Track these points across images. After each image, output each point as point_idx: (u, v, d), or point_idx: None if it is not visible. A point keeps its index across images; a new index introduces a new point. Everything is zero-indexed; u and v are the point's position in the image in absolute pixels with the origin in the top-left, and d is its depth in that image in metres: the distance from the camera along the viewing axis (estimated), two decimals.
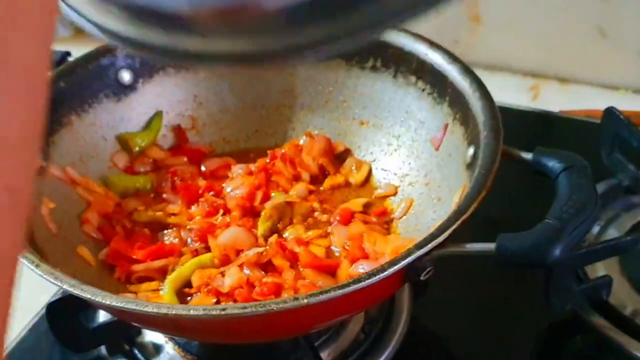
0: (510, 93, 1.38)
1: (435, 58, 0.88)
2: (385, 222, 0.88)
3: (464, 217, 0.68)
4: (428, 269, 0.69)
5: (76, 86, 0.91)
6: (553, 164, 0.73)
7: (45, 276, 0.68)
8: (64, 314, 0.82)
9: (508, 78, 1.45)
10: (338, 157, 0.96)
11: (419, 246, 0.66)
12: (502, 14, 1.42)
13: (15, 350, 0.89)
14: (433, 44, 0.89)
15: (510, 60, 1.46)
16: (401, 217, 0.88)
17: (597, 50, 1.38)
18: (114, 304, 0.65)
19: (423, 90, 0.90)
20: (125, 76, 0.94)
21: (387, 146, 0.94)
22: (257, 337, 0.73)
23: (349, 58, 0.95)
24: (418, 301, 0.90)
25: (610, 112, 1.01)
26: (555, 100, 1.35)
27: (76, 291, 0.66)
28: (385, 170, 0.94)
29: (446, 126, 0.86)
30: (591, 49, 1.38)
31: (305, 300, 0.63)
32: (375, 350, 0.84)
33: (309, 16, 0.33)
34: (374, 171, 0.94)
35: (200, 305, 0.74)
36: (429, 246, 0.66)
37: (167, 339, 0.88)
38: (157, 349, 0.87)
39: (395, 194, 0.91)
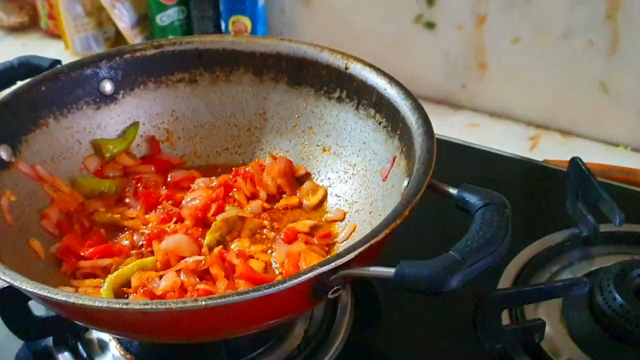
0: (511, 141, 1.40)
1: (392, 93, 0.90)
2: (327, 245, 0.91)
3: (372, 241, 0.71)
4: (335, 287, 0.71)
5: (57, 91, 0.97)
6: (474, 200, 0.75)
7: None
8: (14, 302, 0.87)
9: (511, 126, 1.46)
10: (298, 180, 1.01)
11: (323, 264, 0.69)
12: (508, 64, 1.43)
13: None
14: (392, 80, 0.91)
15: (514, 109, 1.47)
16: (343, 242, 0.91)
17: (598, 105, 1.38)
18: (23, 286, 0.69)
19: (380, 123, 0.93)
20: (107, 87, 1.00)
21: (344, 173, 0.97)
22: (166, 336, 0.76)
23: (318, 88, 0.99)
24: (357, 328, 0.93)
25: (575, 163, 1.02)
26: (553, 151, 1.35)
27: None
28: (338, 197, 0.97)
29: (394, 159, 0.89)
30: (593, 104, 1.39)
31: (203, 303, 0.66)
32: None
33: None
34: (328, 196, 0.98)
35: (105, 298, 0.78)
36: (332, 264, 0.69)
37: (111, 337, 0.92)
38: (102, 346, 0.91)
39: (343, 219, 0.94)
